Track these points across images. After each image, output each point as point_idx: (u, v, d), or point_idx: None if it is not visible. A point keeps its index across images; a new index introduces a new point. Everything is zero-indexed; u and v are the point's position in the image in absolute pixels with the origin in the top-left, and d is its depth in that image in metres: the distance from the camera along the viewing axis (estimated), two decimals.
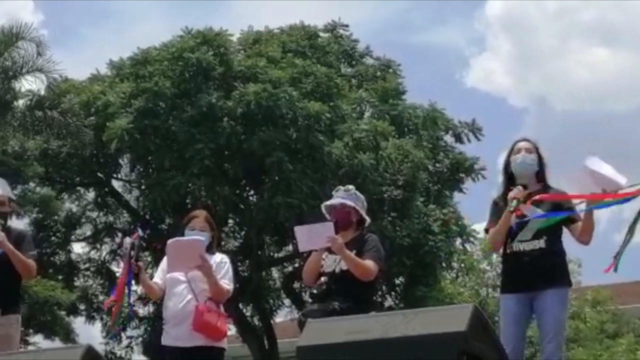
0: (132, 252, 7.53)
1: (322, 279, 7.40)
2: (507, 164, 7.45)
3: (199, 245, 7.36)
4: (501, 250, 7.44)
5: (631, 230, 6.95)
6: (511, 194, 7.19)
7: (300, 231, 7.50)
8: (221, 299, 7.46)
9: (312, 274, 7.51)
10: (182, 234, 7.67)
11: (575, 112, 58.30)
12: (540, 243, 7.16)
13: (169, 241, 7.68)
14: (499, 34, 60.60)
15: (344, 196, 7.63)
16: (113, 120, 22.85)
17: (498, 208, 7.36)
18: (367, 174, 22.25)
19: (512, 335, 7.03)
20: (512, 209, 7.12)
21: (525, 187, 7.21)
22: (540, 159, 7.39)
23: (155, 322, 24.62)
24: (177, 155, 22.80)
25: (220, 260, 7.61)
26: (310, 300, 7.62)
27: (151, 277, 8.18)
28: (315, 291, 7.46)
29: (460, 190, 26.29)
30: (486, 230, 7.57)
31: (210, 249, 7.65)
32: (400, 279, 24.45)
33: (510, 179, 7.41)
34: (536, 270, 7.06)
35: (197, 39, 23.85)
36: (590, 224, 7.15)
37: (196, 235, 7.51)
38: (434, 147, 25.72)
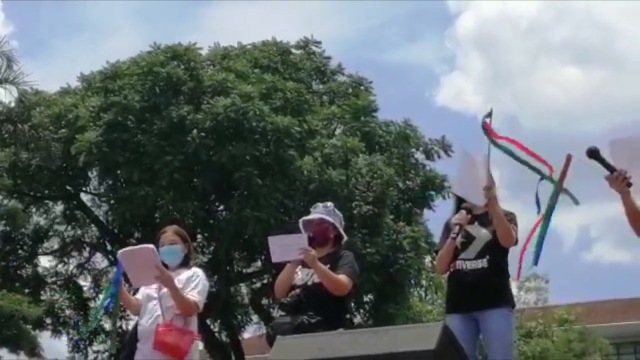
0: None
1: (295, 291, 7.35)
2: None
3: (151, 253, 7.25)
4: None
5: (548, 216, 6.90)
6: (454, 219, 7.21)
7: (273, 241, 7.43)
8: (188, 312, 7.37)
9: (284, 287, 7.45)
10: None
11: (545, 131, 58.72)
12: (483, 262, 7.16)
13: (119, 252, 7.61)
14: (470, 52, 61.13)
15: (322, 212, 7.63)
16: (82, 134, 22.75)
17: (448, 230, 7.38)
18: (337, 190, 22.24)
19: None
20: (454, 235, 7.14)
21: (469, 211, 7.24)
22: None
23: (124, 337, 24.46)
24: (146, 168, 22.71)
25: (192, 273, 7.54)
26: (280, 313, 7.54)
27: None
28: (286, 301, 7.40)
29: (430, 208, 26.33)
30: (436, 252, 7.59)
31: (186, 262, 7.59)
32: (370, 296, 24.43)
33: (460, 200, 7.43)
34: (478, 290, 7.02)
35: (166, 53, 23.84)
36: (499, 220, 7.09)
37: (147, 246, 7.41)
38: (405, 165, 25.76)
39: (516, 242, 7.23)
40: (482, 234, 7.15)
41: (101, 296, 7.76)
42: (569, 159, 6.65)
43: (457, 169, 7.40)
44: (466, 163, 7.26)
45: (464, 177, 7.21)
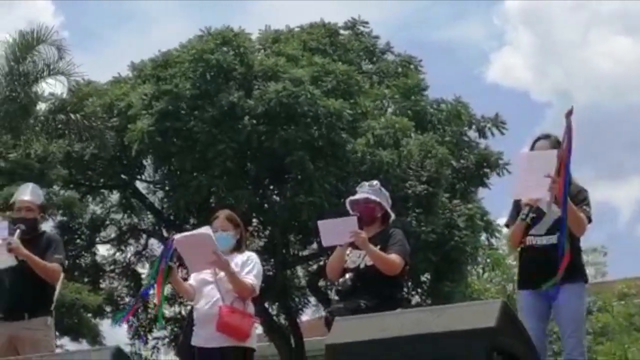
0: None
1: (347, 275, 7.33)
2: None
3: (207, 238, 7.29)
4: None
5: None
6: (524, 200, 7.11)
7: (323, 226, 7.42)
8: (245, 295, 7.41)
9: (336, 270, 7.44)
10: None
11: (597, 103, 58.05)
12: (554, 238, 7.04)
13: (175, 238, 7.63)
14: (519, 28, 60.43)
15: (368, 191, 7.57)
16: (135, 122, 22.91)
17: (517, 206, 7.28)
18: (389, 171, 22.20)
19: (532, 330, 6.90)
20: (523, 216, 7.04)
21: None
22: None
23: (183, 322, 24.66)
24: (199, 156, 22.81)
25: (247, 257, 7.58)
26: (335, 297, 7.53)
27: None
28: (340, 288, 7.39)
29: (485, 186, 26.18)
30: (506, 226, 7.52)
31: (239, 247, 7.62)
32: (427, 275, 24.37)
33: None
34: (550, 266, 6.93)
35: (216, 39, 23.87)
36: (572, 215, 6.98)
37: (204, 232, 7.44)
38: (458, 143, 25.65)
39: (590, 221, 7.16)
40: (553, 209, 7.04)
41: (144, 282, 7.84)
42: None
43: (518, 174, 7.25)
44: (527, 162, 7.11)
45: (527, 178, 7.02)
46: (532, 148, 7.31)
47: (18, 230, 7.92)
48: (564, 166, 6.67)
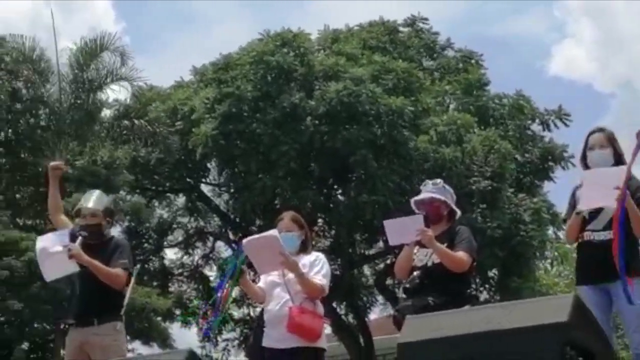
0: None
1: (415, 273, 7.32)
2: (584, 156, 7.28)
3: (275, 240, 7.31)
4: None
5: None
6: (579, 193, 7.04)
7: (390, 225, 7.40)
8: (315, 295, 7.42)
9: (404, 269, 7.42)
10: None
11: None
12: (612, 234, 6.96)
13: (243, 242, 7.68)
14: (580, 20, 59.82)
15: (432, 190, 7.53)
16: (198, 126, 23.10)
17: (575, 199, 7.21)
18: (452, 167, 22.13)
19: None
20: (579, 211, 6.98)
21: None
22: (615, 149, 7.17)
23: (252, 323, 24.82)
24: (263, 157, 22.94)
25: (315, 258, 7.59)
26: (403, 295, 7.52)
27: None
28: (408, 286, 7.37)
29: (550, 179, 25.97)
30: (564, 221, 7.43)
31: (305, 248, 7.64)
32: (494, 271, 24.24)
33: (587, 169, 7.25)
34: (608, 261, 6.84)
35: (276, 41, 23.97)
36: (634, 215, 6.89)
37: (271, 234, 7.47)
38: (521, 137, 25.48)
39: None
40: (610, 205, 6.95)
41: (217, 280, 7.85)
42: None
43: (584, 188, 7.15)
44: (593, 177, 7.03)
45: (594, 190, 6.95)
46: (587, 141, 7.25)
47: (80, 237, 8.00)
48: (627, 181, 6.64)
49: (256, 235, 7.77)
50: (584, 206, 6.99)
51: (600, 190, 6.74)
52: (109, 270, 7.93)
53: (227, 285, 7.72)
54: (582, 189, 6.95)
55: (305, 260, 7.50)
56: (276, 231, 7.45)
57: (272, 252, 7.26)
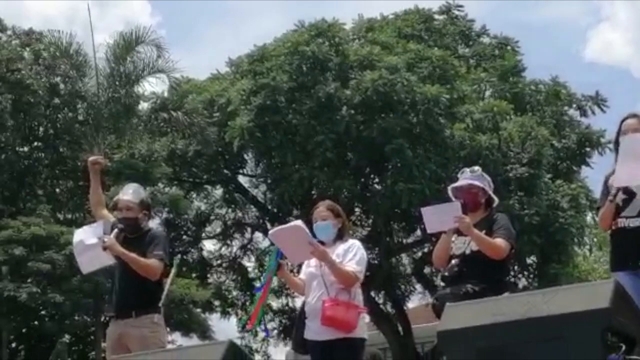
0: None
1: (453, 261, 7.30)
2: (617, 142, 7.23)
3: (300, 230, 7.31)
4: None
5: None
6: (612, 180, 6.99)
7: (427, 212, 7.38)
8: (349, 283, 7.39)
9: (442, 257, 7.40)
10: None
11: None
12: None
13: (269, 233, 7.69)
14: (615, 3, 59.29)
15: (470, 177, 7.49)
16: (234, 119, 23.16)
17: (607, 186, 7.16)
18: (489, 155, 22.06)
19: None
20: (612, 197, 6.93)
21: None
22: None
23: (291, 314, 24.90)
24: (299, 148, 22.97)
25: (349, 246, 7.57)
26: (442, 284, 7.51)
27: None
28: (446, 274, 7.36)
29: (588, 165, 25.82)
30: (597, 209, 7.38)
31: (341, 236, 7.63)
32: (532, 257, 24.14)
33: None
34: None
35: (311, 31, 23.97)
36: None
37: (296, 224, 7.48)
38: (558, 123, 25.34)
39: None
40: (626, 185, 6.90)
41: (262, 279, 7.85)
42: None
43: (620, 159, 7.05)
44: (630, 146, 6.95)
45: (630, 164, 6.86)
46: (620, 127, 7.20)
47: (116, 229, 8.05)
48: None
49: (281, 226, 7.78)
50: (620, 182, 6.92)
51: (635, 165, 6.68)
52: (143, 260, 7.96)
53: (264, 281, 7.75)
54: (617, 162, 6.88)
55: (340, 249, 7.50)
56: (300, 221, 7.47)
57: (300, 241, 7.27)
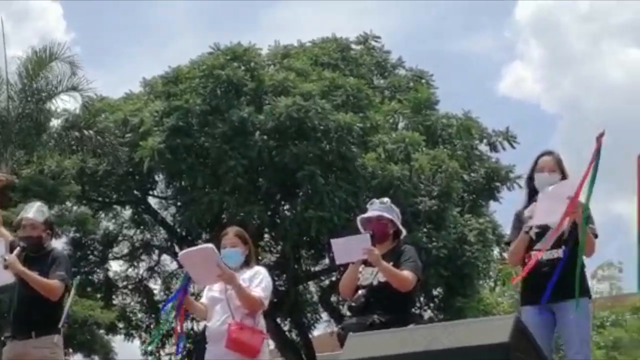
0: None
1: (360, 291, 7.34)
2: (531, 179, 7.35)
3: (210, 252, 7.33)
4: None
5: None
6: (527, 212, 7.10)
7: (337, 243, 7.44)
8: (254, 308, 7.41)
9: (349, 287, 7.45)
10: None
11: (608, 114, 58.09)
12: (558, 253, 7.02)
13: (179, 255, 7.71)
14: (530, 40, 60.53)
15: (380, 208, 7.56)
16: (147, 139, 22.98)
17: (519, 221, 7.27)
18: (400, 185, 22.22)
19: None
20: (527, 229, 7.03)
21: None
22: (562, 172, 7.26)
23: (195, 337, 24.70)
24: (210, 172, 22.88)
25: (255, 272, 7.59)
26: (348, 313, 7.54)
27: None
28: (353, 304, 7.39)
29: (496, 199, 26.18)
30: (507, 244, 7.49)
31: (247, 263, 7.64)
32: (439, 289, 24.35)
33: (533, 192, 7.31)
34: (555, 281, 6.90)
35: (226, 55, 23.95)
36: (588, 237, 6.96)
37: (206, 246, 7.50)
38: (469, 157, 25.66)
39: (596, 237, 7.16)
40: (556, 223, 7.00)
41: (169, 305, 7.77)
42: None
43: (539, 203, 7.19)
44: (549, 193, 7.08)
45: (548, 204, 7.00)
46: (535, 164, 7.32)
47: (18, 248, 7.96)
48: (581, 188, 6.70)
49: (193, 248, 7.80)
50: (537, 221, 7.03)
51: (554, 204, 6.80)
52: (44, 281, 7.88)
53: (172, 305, 7.69)
54: (537, 204, 7.00)
55: (246, 275, 7.51)
56: (211, 244, 7.47)
57: (209, 264, 7.28)
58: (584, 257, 6.98)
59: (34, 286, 7.84)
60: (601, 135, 6.65)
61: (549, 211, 6.88)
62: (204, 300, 7.70)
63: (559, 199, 6.78)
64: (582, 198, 6.74)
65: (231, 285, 7.34)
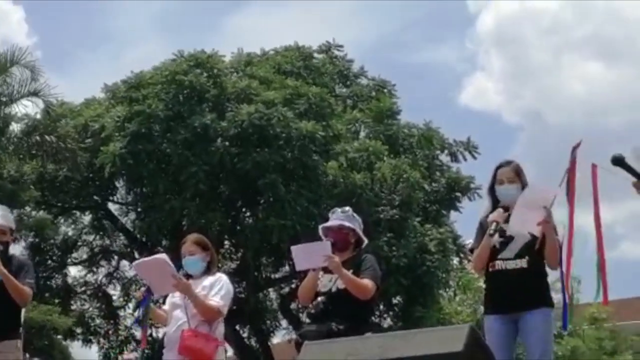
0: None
1: (319, 298, 7.35)
2: (492, 188, 7.40)
3: (163, 263, 7.31)
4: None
5: None
6: (491, 217, 7.15)
7: (296, 250, 7.45)
8: (211, 317, 7.39)
9: (308, 294, 7.46)
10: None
11: (568, 125, 58.58)
12: (522, 262, 7.05)
13: (133, 264, 7.71)
14: (491, 52, 60.98)
15: (341, 217, 7.58)
16: (107, 145, 22.87)
17: (483, 229, 7.32)
18: (362, 194, 22.28)
19: (500, 355, 6.86)
20: (492, 232, 7.08)
21: (506, 209, 7.15)
22: (522, 183, 7.31)
23: (154, 344, 24.60)
24: (172, 178, 22.82)
25: (216, 279, 7.57)
26: (307, 320, 7.55)
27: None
28: (312, 311, 7.41)
29: (457, 209, 26.29)
30: (471, 251, 7.52)
31: (209, 269, 7.62)
32: (398, 298, 24.40)
33: (495, 200, 7.36)
34: (518, 290, 6.95)
35: (189, 61, 23.92)
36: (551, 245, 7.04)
37: (159, 257, 7.49)
38: (430, 167, 25.75)
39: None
40: (520, 233, 7.06)
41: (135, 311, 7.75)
42: (594, 170, 6.62)
43: (515, 209, 7.24)
44: (525, 197, 7.13)
45: (523, 212, 7.05)
46: (495, 175, 7.36)
47: None
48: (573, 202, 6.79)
49: (145, 258, 7.77)
50: (512, 229, 7.07)
51: (530, 212, 6.85)
52: (20, 286, 7.84)
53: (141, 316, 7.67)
54: (513, 212, 7.03)
55: (206, 282, 7.50)
56: (164, 254, 7.46)
57: (164, 274, 7.26)
58: (549, 269, 7.06)
59: (11, 290, 7.79)
60: (577, 145, 6.71)
61: (524, 220, 6.94)
62: (166, 306, 7.69)
63: (534, 206, 6.84)
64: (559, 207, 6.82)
65: (187, 295, 7.33)
